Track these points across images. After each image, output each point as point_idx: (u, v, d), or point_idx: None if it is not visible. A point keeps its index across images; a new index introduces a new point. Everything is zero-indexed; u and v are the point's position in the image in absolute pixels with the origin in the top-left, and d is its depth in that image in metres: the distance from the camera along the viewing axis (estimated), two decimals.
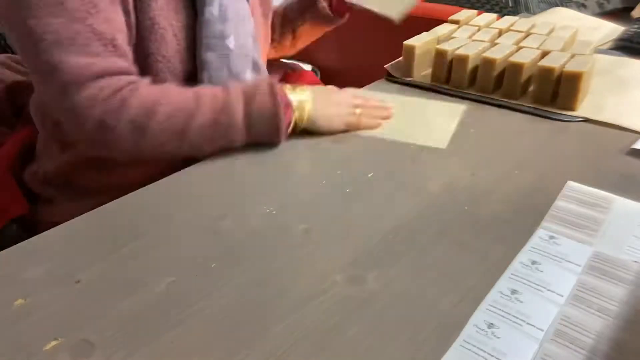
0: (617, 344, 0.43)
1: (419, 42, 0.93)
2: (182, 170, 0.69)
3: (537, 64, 0.84)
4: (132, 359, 0.43)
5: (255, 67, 0.81)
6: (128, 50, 0.69)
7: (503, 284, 0.50)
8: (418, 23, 1.02)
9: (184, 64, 0.74)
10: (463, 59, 0.88)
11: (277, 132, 0.72)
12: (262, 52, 0.87)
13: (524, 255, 0.53)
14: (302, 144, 0.76)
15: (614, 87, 0.89)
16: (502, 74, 0.86)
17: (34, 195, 0.82)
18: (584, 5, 1.54)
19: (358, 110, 0.78)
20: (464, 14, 1.06)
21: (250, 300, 0.49)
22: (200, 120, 0.68)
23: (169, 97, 0.68)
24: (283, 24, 0.99)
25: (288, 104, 0.72)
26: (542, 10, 1.44)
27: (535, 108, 0.83)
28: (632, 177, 0.66)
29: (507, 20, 1.03)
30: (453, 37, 0.95)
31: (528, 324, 0.45)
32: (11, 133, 0.86)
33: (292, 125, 0.74)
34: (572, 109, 0.82)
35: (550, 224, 0.58)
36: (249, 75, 0.79)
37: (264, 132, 0.72)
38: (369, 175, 0.68)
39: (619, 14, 1.42)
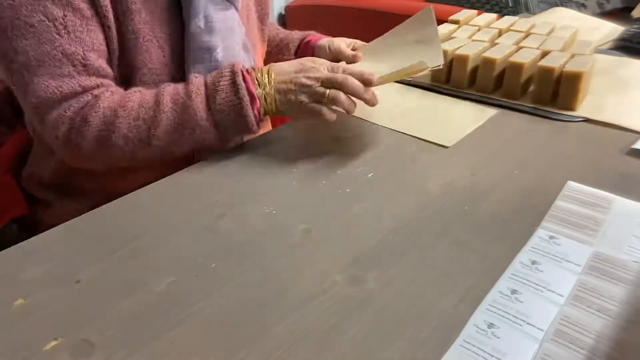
0: (617, 344, 0.43)
1: None
2: (181, 170, 0.69)
3: (537, 64, 0.84)
4: (132, 359, 0.43)
5: None
6: (103, 66, 0.68)
7: (503, 284, 0.50)
8: None
9: (171, 75, 0.73)
10: (463, 59, 0.88)
11: (246, 128, 0.69)
12: (257, 54, 0.87)
13: (524, 255, 0.53)
14: (302, 144, 0.76)
15: (614, 87, 0.89)
16: (502, 74, 0.86)
17: (33, 197, 0.82)
18: (584, 5, 1.54)
19: (329, 92, 0.68)
20: (464, 14, 1.06)
21: (250, 300, 0.49)
22: (164, 127, 0.67)
23: (129, 108, 0.66)
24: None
25: (254, 96, 0.68)
26: (542, 10, 1.44)
27: (535, 108, 0.83)
28: (632, 177, 0.66)
29: (507, 20, 1.03)
30: (453, 37, 0.95)
31: (528, 324, 0.45)
32: (11, 133, 0.86)
33: (263, 113, 0.70)
34: (572, 109, 0.82)
35: (550, 224, 0.58)
36: None
37: (232, 129, 0.69)
38: (369, 175, 0.68)
39: (619, 14, 1.42)
